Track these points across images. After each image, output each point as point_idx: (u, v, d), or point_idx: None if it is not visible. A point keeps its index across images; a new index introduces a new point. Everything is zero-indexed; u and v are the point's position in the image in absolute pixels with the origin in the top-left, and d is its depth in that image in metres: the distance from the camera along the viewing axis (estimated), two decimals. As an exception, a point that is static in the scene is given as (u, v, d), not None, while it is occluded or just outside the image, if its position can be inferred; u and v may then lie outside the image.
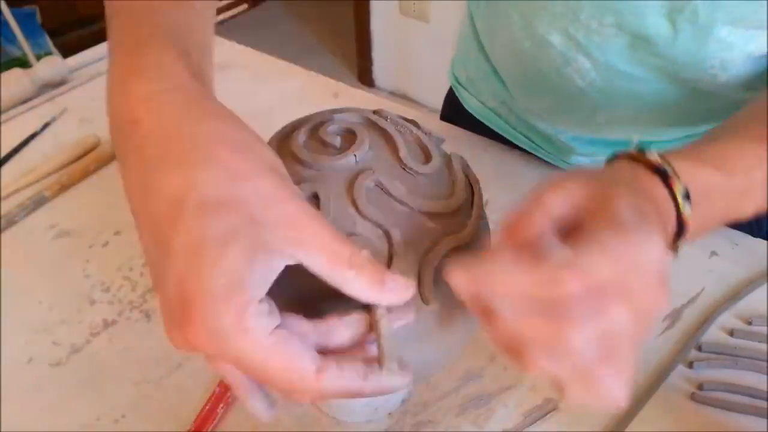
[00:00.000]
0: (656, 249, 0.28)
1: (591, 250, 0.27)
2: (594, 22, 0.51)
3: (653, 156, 0.33)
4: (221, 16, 0.93)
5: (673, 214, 0.33)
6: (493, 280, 0.27)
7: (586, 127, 0.62)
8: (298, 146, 0.36)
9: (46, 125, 0.76)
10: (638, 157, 0.33)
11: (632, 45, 0.50)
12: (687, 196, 0.33)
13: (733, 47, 0.48)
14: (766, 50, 0.48)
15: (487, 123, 0.73)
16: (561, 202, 0.30)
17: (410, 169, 0.36)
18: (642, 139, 0.36)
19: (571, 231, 0.30)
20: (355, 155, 0.35)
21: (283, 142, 0.38)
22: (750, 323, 0.52)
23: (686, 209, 0.33)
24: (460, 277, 0.28)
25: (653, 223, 0.29)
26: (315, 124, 0.38)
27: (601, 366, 0.28)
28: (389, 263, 0.33)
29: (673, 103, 0.53)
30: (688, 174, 0.33)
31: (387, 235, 0.33)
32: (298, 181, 0.35)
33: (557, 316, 0.27)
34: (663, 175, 0.33)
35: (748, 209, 0.38)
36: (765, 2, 0.44)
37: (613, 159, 0.35)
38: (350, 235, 0.33)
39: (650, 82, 0.53)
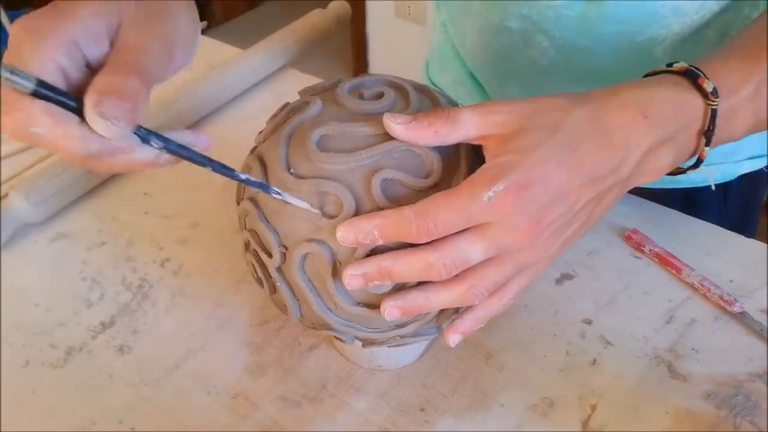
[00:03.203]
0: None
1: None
2: None
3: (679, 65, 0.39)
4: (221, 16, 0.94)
5: (698, 123, 0.38)
6: None
7: None
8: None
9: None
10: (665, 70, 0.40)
11: (583, 15, 0.52)
12: (715, 93, 0.37)
13: None
14: None
15: None
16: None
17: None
18: None
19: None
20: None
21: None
22: (748, 323, 0.52)
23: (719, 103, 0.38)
24: None
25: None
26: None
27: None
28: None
29: (632, 76, 0.54)
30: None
31: None
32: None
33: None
34: (692, 77, 0.38)
35: (738, 129, 0.41)
36: None
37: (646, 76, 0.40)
38: None
39: (606, 54, 0.55)
